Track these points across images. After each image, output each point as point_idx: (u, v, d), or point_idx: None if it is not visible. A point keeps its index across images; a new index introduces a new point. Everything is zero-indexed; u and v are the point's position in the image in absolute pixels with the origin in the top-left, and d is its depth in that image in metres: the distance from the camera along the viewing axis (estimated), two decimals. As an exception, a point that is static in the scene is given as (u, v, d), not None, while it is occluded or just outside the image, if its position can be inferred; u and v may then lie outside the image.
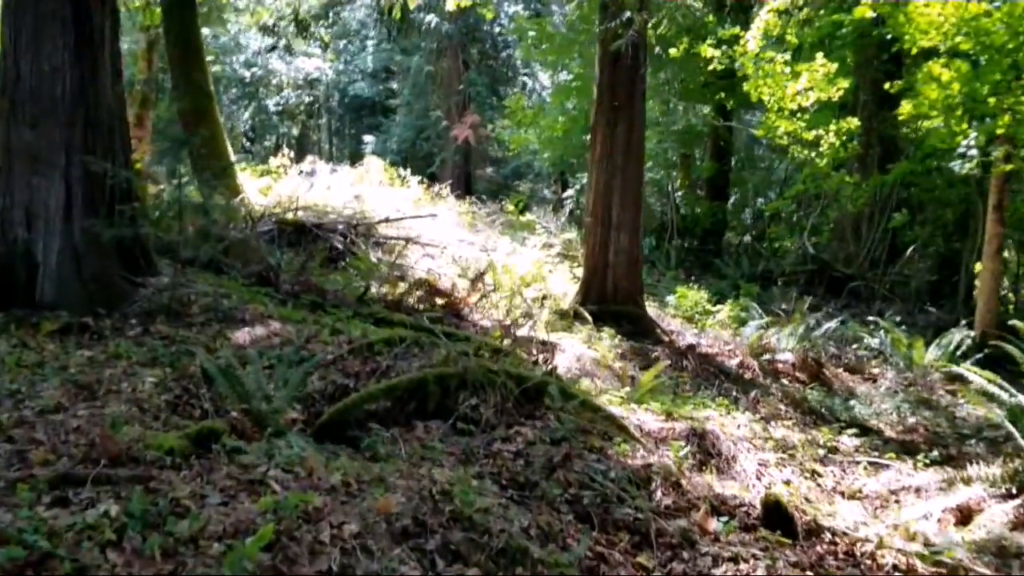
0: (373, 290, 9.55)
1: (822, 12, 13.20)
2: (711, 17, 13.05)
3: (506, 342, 8.55)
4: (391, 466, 4.00)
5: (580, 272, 13.09)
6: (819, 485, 5.53)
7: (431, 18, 26.88)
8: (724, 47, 13.18)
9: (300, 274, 8.58)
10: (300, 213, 12.70)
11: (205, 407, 4.60)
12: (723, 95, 18.83)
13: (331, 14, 29.56)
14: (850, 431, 7.06)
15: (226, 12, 15.46)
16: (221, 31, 20.63)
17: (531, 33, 19.42)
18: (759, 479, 5.19)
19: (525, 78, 30.08)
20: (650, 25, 10.79)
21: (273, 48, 14.24)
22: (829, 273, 15.87)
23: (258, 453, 3.81)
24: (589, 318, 10.51)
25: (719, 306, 12.34)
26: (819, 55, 12.21)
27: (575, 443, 4.64)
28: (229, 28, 26.65)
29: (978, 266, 14.62)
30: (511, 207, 17.42)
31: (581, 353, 8.96)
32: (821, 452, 6.17)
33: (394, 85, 33.04)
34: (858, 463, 6.11)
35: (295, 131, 36.87)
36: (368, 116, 34.36)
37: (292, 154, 18.15)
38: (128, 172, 6.19)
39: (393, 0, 15.57)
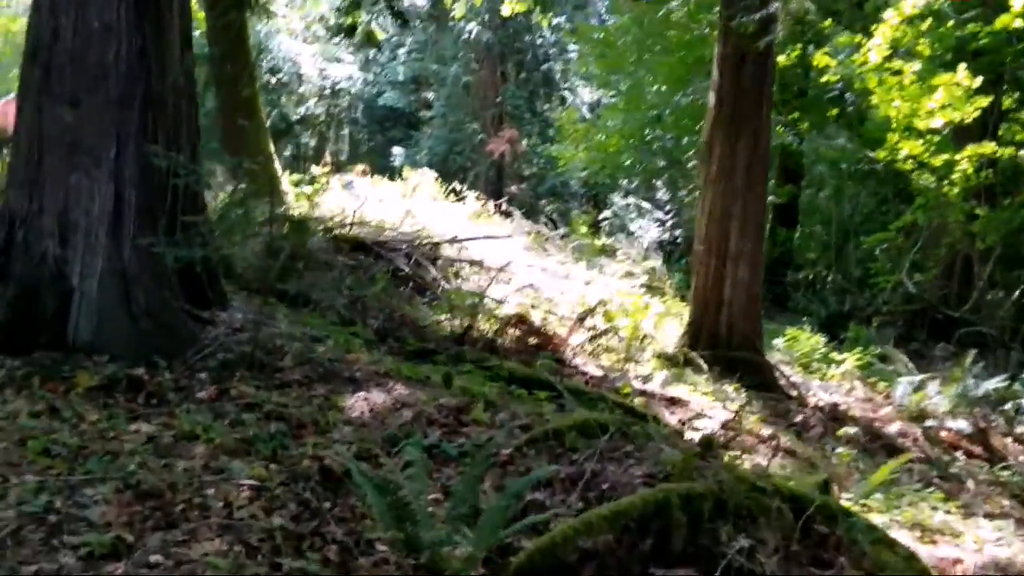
0: (446, 324, 7.93)
1: (951, 23, 11.60)
2: (829, 22, 11.46)
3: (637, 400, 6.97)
4: None
5: (671, 306, 11.47)
6: None
7: (472, 26, 25.44)
8: (841, 56, 11.62)
9: (388, 307, 6.89)
10: (355, 229, 11.04)
11: (339, 538, 2.94)
12: (797, 115, 17.36)
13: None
14: None
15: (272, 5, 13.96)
16: (271, 22, 19.26)
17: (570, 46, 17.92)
18: None
19: (566, 92, 28.49)
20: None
21: (352, 30, 12.55)
22: (932, 315, 14.19)
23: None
24: (704, 366, 8.88)
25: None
26: (961, 66, 10.59)
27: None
28: (259, 29, 25.25)
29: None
30: (582, 228, 15.73)
31: (715, 414, 7.34)
32: None
33: (426, 95, 31.46)
34: None
35: (312, 142, 35.29)
36: (392, 128, 32.88)
37: (332, 161, 16.55)
38: (200, 170, 4.53)
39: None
